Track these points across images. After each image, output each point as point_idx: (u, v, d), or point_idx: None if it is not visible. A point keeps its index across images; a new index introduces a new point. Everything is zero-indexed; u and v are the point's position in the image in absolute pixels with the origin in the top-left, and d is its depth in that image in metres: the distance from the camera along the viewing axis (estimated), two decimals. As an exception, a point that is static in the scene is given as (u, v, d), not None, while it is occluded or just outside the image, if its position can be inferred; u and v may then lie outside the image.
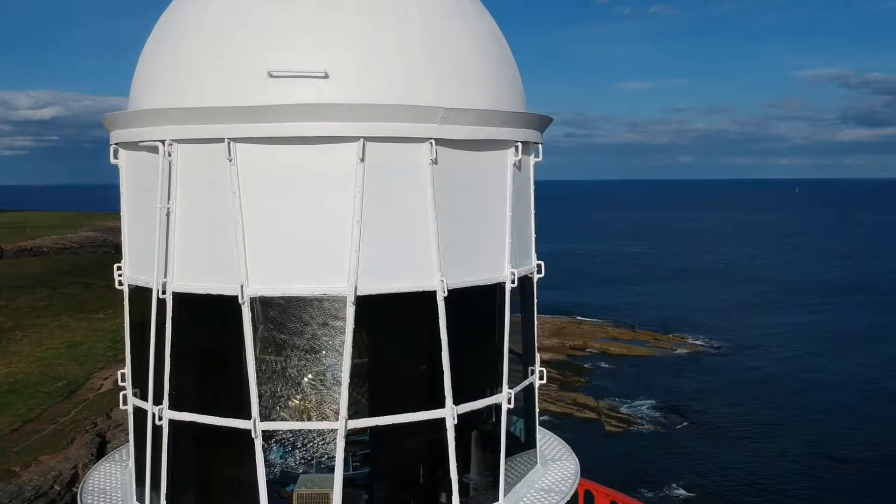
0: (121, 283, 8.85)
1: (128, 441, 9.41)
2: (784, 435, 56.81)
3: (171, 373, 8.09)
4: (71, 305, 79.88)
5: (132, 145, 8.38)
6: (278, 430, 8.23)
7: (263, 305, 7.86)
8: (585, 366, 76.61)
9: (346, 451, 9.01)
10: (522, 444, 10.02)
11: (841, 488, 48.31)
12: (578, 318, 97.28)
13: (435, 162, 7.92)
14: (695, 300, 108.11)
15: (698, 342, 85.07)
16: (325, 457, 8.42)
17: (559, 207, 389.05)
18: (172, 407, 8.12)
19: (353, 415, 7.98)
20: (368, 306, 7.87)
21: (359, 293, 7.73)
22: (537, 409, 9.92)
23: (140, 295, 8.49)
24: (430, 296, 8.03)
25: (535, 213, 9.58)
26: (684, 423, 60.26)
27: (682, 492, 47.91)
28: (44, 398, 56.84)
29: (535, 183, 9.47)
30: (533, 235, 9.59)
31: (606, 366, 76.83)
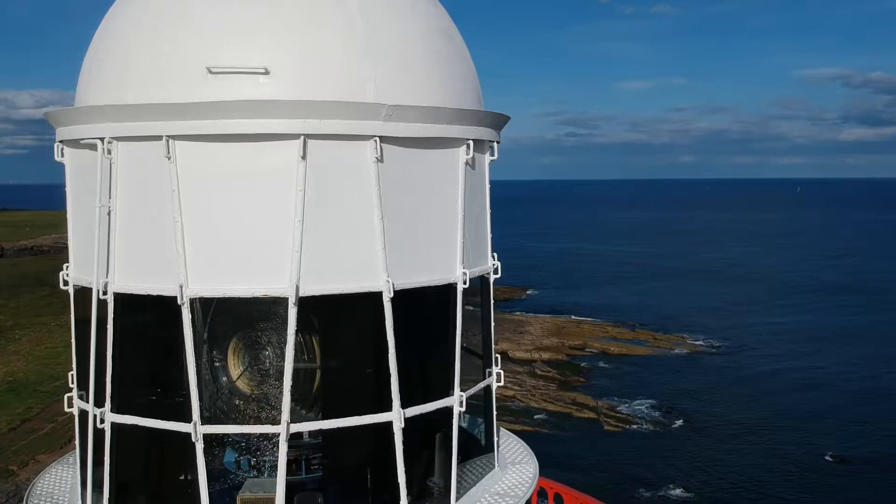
0: (66, 283, 8.71)
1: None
2: (783, 435, 56.70)
3: (112, 375, 7.96)
4: (70, 305, 79.92)
5: (75, 143, 8.25)
6: (220, 434, 8.08)
7: (204, 306, 7.72)
8: (585, 365, 76.64)
9: (299, 454, 8.87)
10: (482, 447, 9.86)
11: (839, 489, 48.21)
12: (578, 317, 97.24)
13: (380, 160, 7.75)
14: (695, 300, 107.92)
15: (698, 342, 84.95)
16: (273, 460, 8.28)
17: (560, 207, 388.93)
18: (114, 410, 7.99)
19: (296, 418, 7.83)
20: (312, 308, 7.71)
21: (301, 294, 7.56)
22: (495, 412, 9.73)
23: (85, 296, 8.36)
24: (376, 297, 7.87)
25: (490, 213, 9.39)
26: (683, 423, 60.24)
27: (679, 491, 47.89)
28: (42, 397, 56.89)
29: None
30: (489, 235, 9.41)
31: (606, 365, 76.82)
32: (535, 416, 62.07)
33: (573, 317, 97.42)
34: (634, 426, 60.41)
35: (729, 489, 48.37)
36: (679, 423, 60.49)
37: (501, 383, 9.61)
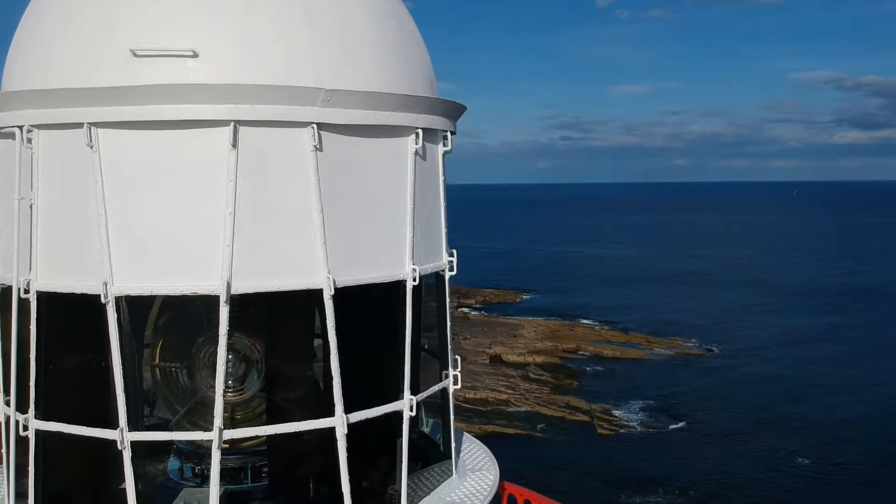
0: None
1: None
2: (777, 438, 56.37)
3: (36, 379, 7.48)
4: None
5: None
6: (148, 441, 7.59)
7: (130, 305, 7.24)
8: (578, 368, 76.24)
9: (244, 461, 8.41)
10: (440, 453, 9.39)
11: (835, 492, 47.92)
12: (572, 321, 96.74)
13: (319, 149, 7.28)
14: (689, 303, 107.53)
15: (692, 345, 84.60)
16: (209, 469, 7.79)
17: (555, 210, 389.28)
18: (39, 416, 7.50)
19: (231, 424, 7.35)
20: (246, 306, 7.24)
21: (233, 292, 7.08)
22: (452, 416, 9.25)
23: (9, 294, 7.88)
24: (317, 294, 7.40)
25: (445, 206, 8.91)
26: (677, 427, 59.95)
27: (673, 495, 47.56)
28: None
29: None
30: (444, 230, 8.92)
31: (599, 369, 76.44)
32: (529, 420, 61.77)
33: (566, 320, 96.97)
34: (627, 429, 60.12)
35: (722, 493, 48.01)
36: (672, 426, 60.20)
37: (458, 386, 9.12)
